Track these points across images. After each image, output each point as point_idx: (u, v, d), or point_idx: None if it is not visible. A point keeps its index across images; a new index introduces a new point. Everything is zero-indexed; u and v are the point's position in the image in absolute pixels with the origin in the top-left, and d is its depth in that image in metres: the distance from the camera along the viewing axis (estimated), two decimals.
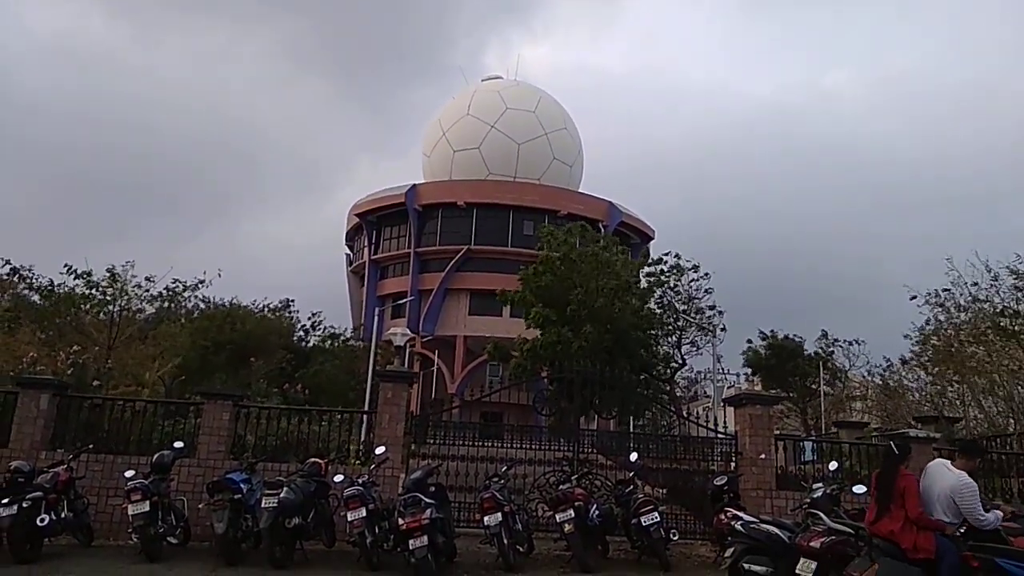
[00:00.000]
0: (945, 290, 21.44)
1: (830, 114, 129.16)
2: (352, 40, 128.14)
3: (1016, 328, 19.17)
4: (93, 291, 23.12)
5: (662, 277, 27.02)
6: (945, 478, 6.87)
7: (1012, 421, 18.90)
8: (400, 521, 8.95)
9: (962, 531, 6.78)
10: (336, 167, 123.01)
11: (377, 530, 9.46)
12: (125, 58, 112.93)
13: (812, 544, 7.53)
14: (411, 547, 8.82)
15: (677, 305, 26.99)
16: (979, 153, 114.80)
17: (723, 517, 9.44)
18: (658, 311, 26.28)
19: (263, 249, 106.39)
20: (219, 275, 25.88)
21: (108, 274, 22.92)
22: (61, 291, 24.31)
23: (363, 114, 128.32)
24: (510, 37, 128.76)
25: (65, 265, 23.42)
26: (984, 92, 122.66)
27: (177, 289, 25.35)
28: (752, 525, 8.60)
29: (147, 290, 23.81)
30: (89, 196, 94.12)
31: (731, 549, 8.52)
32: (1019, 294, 19.61)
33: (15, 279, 26.55)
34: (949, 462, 7.10)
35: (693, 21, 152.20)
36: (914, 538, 6.66)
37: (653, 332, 24.81)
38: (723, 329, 29.04)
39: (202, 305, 32.19)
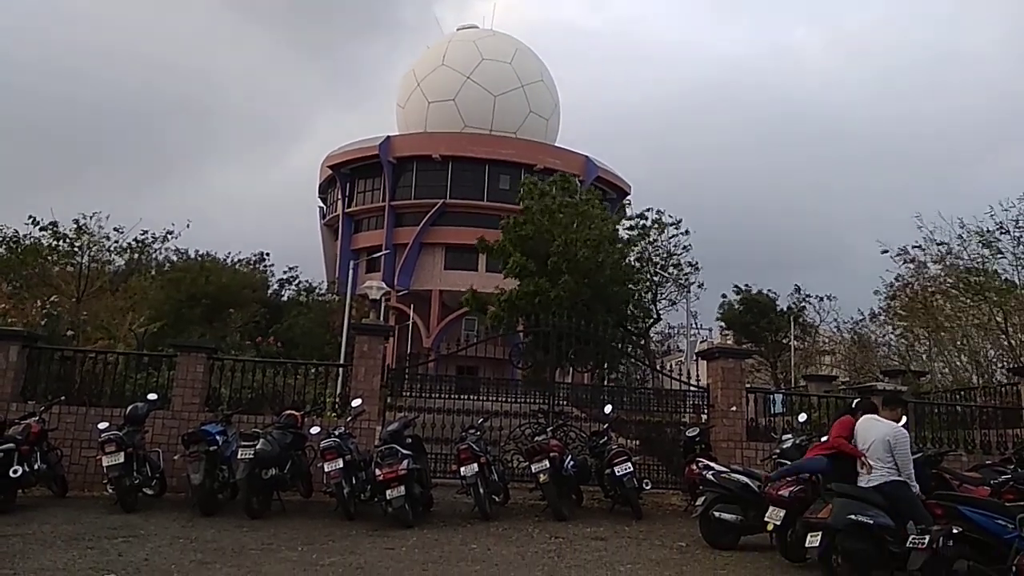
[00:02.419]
0: (916, 246, 21.80)
1: (793, 72, 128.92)
2: None
3: (983, 284, 19.56)
4: (60, 242, 22.71)
5: (643, 231, 27.03)
6: (879, 427, 7.23)
7: (976, 375, 19.39)
8: (377, 472, 9.03)
9: None
10: (293, 119, 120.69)
11: (354, 481, 9.52)
12: (73, 5, 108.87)
13: (781, 493, 7.73)
14: (388, 497, 8.93)
15: (656, 259, 27.09)
16: (940, 112, 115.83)
17: (695, 467, 9.63)
18: (637, 265, 26.37)
19: (226, 203, 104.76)
20: (188, 226, 25.56)
21: (75, 225, 22.52)
22: (27, 242, 23.83)
23: (315, 67, 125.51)
24: None
25: (29, 216, 22.97)
26: (946, 52, 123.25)
27: (147, 240, 25.00)
28: (723, 475, 8.80)
29: (116, 241, 23.47)
30: (38, 146, 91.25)
31: (702, 498, 8.73)
32: (985, 252, 19.97)
33: None
34: (877, 416, 7.38)
35: None
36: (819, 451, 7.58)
37: (634, 287, 24.91)
38: (700, 286, 29.30)
39: (174, 257, 31.81)
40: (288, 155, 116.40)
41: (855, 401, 8.22)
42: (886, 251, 22.63)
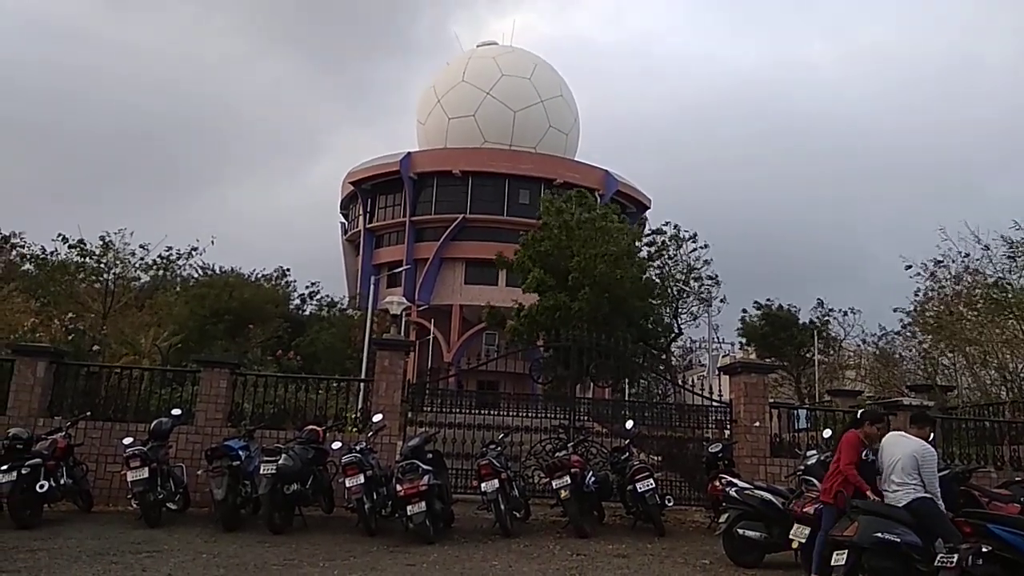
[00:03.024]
0: (938, 262, 21.57)
1: (808, 84, 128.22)
2: (316, 14, 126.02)
3: (1009, 299, 19.28)
4: (87, 259, 23.08)
5: (661, 248, 27.03)
6: (906, 444, 7.11)
7: (1005, 390, 19.06)
8: (398, 487, 9.02)
9: None
10: (308, 138, 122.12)
11: (375, 496, 9.52)
12: (99, 32, 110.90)
13: (806, 510, 7.64)
14: (409, 513, 8.92)
15: (676, 275, 27.05)
16: (956, 124, 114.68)
17: (718, 484, 9.54)
18: (657, 280, 26.33)
19: (243, 221, 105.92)
20: (212, 243, 25.87)
21: (101, 242, 22.87)
22: (54, 259, 24.25)
23: (329, 86, 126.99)
24: (477, 10, 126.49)
25: (58, 234, 23.39)
26: (961, 63, 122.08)
27: (171, 257, 25.32)
28: (747, 492, 8.71)
29: (142, 258, 23.81)
30: (60, 168, 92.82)
31: (726, 515, 8.64)
32: (1012, 263, 19.70)
33: (7, 247, 26.45)
34: (904, 433, 7.29)
35: None
36: (831, 482, 7.23)
37: (653, 302, 24.85)
38: (723, 301, 29.22)
39: (197, 273, 32.17)
40: (304, 173, 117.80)
41: (860, 412, 8.10)
42: (910, 267, 22.41)
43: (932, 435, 7.78)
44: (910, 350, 25.93)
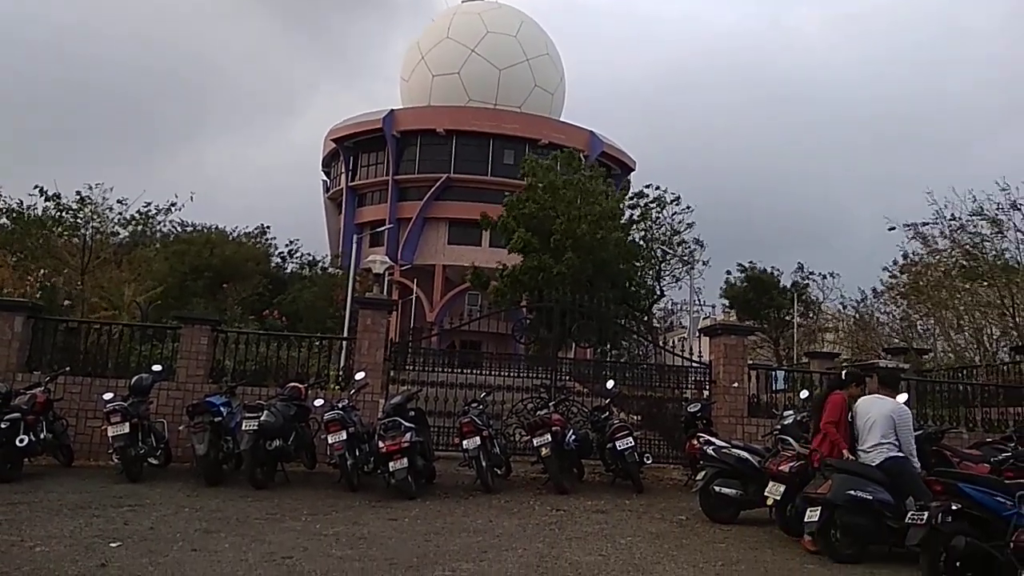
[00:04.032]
0: (926, 223, 21.73)
1: (794, 50, 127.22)
2: None
3: (982, 267, 19.53)
4: (63, 214, 22.71)
5: (645, 210, 27.04)
6: (881, 405, 7.32)
7: (978, 354, 19.41)
8: (380, 444, 9.09)
9: None
10: (286, 95, 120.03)
11: (357, 453, 9.59)
12: None
13: (781, 468, 7.78)
14: (391, 469, 8.99)
15: (660, 237, 27.13)
16: (942, 94, 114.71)
17: (696, 442, 9.68)
18: (641, 243, 26.39)
19: (221, 178, 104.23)
20: (191, 199, 25.57)
21: (78, 196, 22.50)
22: (31, 213, 23.84)
23: (305, 43, 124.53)
24: None
25: (36, 186, 22.94)
26: (949, 29, 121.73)
27: (150, 212, 24.99)
28: (724, 450, 8.85)
29: (120, 213, 23.47)
30: (34, 123, 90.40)
31: (703, 472, 8.79)
32: (994, 228, 19.90)
33: None
34: (879, 395, 7.45)
35: None
36: (818, 443, 7.49)
37: (637, 264, 24.92)
38: (706, 263, 29.38)
39: (177, 230, 31.83)
40: (282, 130, 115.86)
41: (844, 373, 8.25)
42: (893, 228, 22.59)
43: (905, 395, 7.94)
44: (888, 314, 26.29)
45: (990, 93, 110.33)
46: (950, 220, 20.81)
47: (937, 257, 21.83)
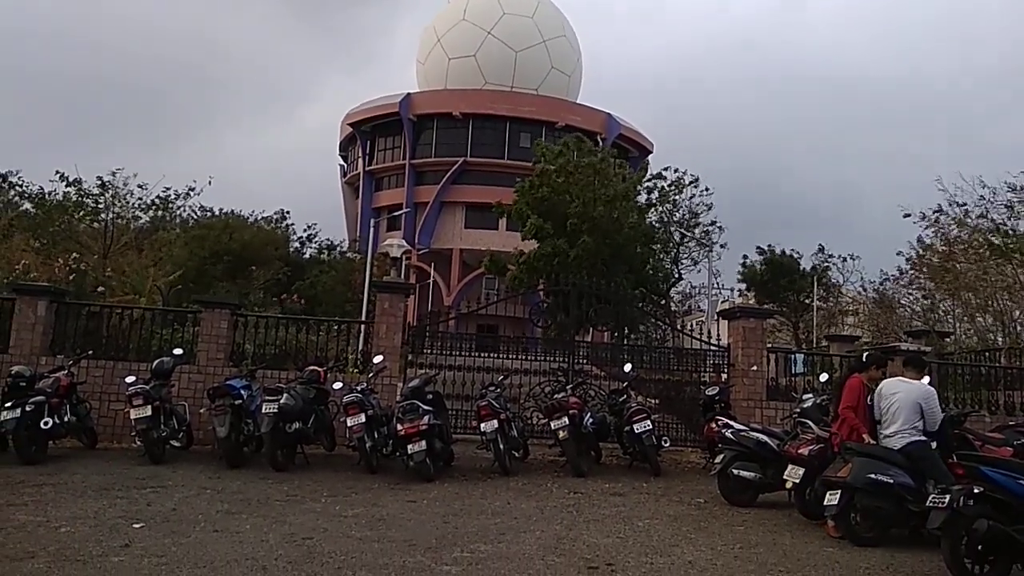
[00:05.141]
0: (936, 211, 21.46)
1: (805, 28, 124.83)
2: None
3: (1009, 246, 19.23)
4: (86, 199, 22.94)
5: (663, 193, 26.87)
6: (909, 388, 7.19)
7: (1001, 336, 19.17)
8: (398, 427, 9.14)
9: None
10: (297, 82, 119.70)
11: (376, 435, 9.66)
12: None
13: (800, 451, 7.75)
14: (409, 451, 9.05)
15: (679, 220, 26.99)
16: (955, 71, 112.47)
17: (714, 426, 9.67)
18: (658, 226, 26.24)
19: (236, 164, 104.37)
20: (209, 183, 25.73)
21: (99, 182, 22.70)
22: (53, 199, 24.09)
23: (313, 31, 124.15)
24: None
25: (57, 172, 23.18)
26: (961, 6, 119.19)
27: (169, 197, 25.18)
28: (742, 433, 8.83)
29: (139, 198, 23.66)
30: (51, 110, 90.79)
31: (721, 456, 8.77)
32: (1012, 211, 19.60)
33: (4, 185, 26.25)
34: (903, 378, 7.34)
35: None
36: (837, 427, 7.45)
37: (653, 247, 24.78)
38: (723, 246, 29.17)
39: (197, 214, 32.04)
40: (297, 116, 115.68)
41: (865, 355, 8.17)
42: (908, 215, 22.28)
43: (928, 379, 7.85)
44: (908, 296, 25.99)
45: (1004, 72, 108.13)
46: (961, 205, 20.56)
47: (961, 237, 21.52)
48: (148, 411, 9.31)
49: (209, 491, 7.97)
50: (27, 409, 8.91)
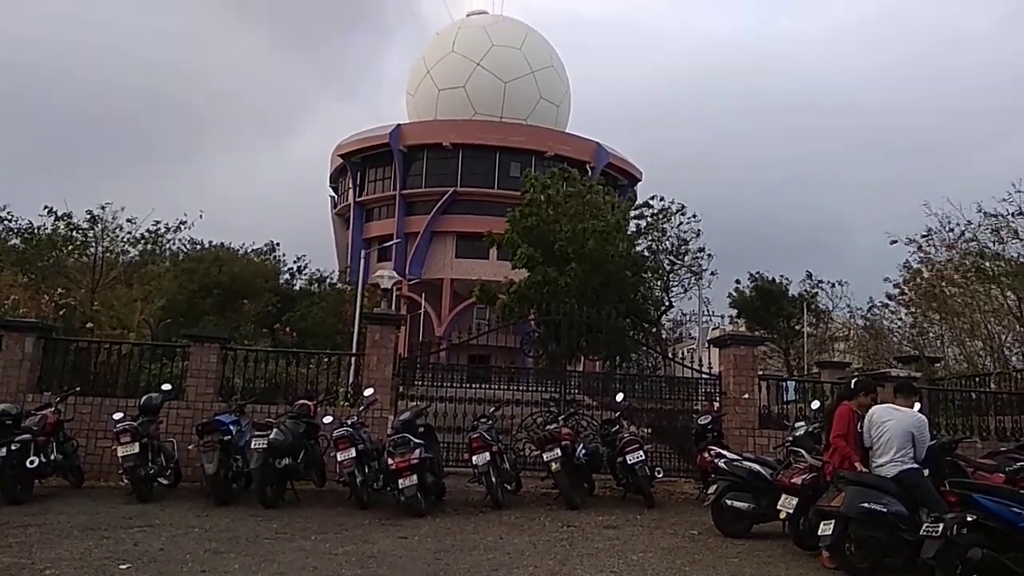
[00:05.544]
0: (924, 236, 21.65)
1: (793, 59, 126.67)
2: None
3: (996, 271, 19.37)
4: (74, 233, 22.86)
5: (651, 221, 27.01)
6: (900, 416, 7.17)
7: (991, 361, 19.23)
8: (389, 461, 9.06)
9: None
10: (286, 113, 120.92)
11: (367, 470, 9.57)
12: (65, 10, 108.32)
13: (793, 481, 7.72)
14: (400, 486, 8.97)
15: (668, 247, 27.10)
16: (942, 101, 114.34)
17: (707, 455, 9.62)
18: (648, 254, 26.33)
19: (225, 196, 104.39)
20: (200, 216, 25.69)
21: (89, 216, 22.66)
22: (42, 233, 24.00)
23: (302, 61, 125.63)
24: None
25: (45, 207, 23.12)
26: (947, 38, 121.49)
27: (159, 231, 25.13)
28: (735, 463, 8.79)
29: (129, 232, 23.61)
30: (37, 142, 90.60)
31: (714, 486, 8.72)
32: (997, 236, 19.78)
33: None
34: (893, 405, 7.34)
35: None
36: (829, 456, 7.44)
37: (644, 275, 24.86)
38: (713, 273, 29.29)
39: (187, 247, 31.98)
40: (285, 148, 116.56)
41: (853, 382, 8.19)
42: (895, 241, 22.46)
43: (919, 405, 7.86)
44: (897, 322, 26.10)
45: (990, 100, 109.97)
46: (949, 230, 20.77)
47: (951, 261, 21.67)
48: (136, 448, 9.21)
49: (197, 530, 7.86)
50: (12, 448, 8.81)
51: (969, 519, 5.85)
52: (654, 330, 26.16)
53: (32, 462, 8.95)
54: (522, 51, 53.84)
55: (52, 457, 9.49)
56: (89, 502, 9.19)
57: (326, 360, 13.20)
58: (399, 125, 52.82)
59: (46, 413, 9.66)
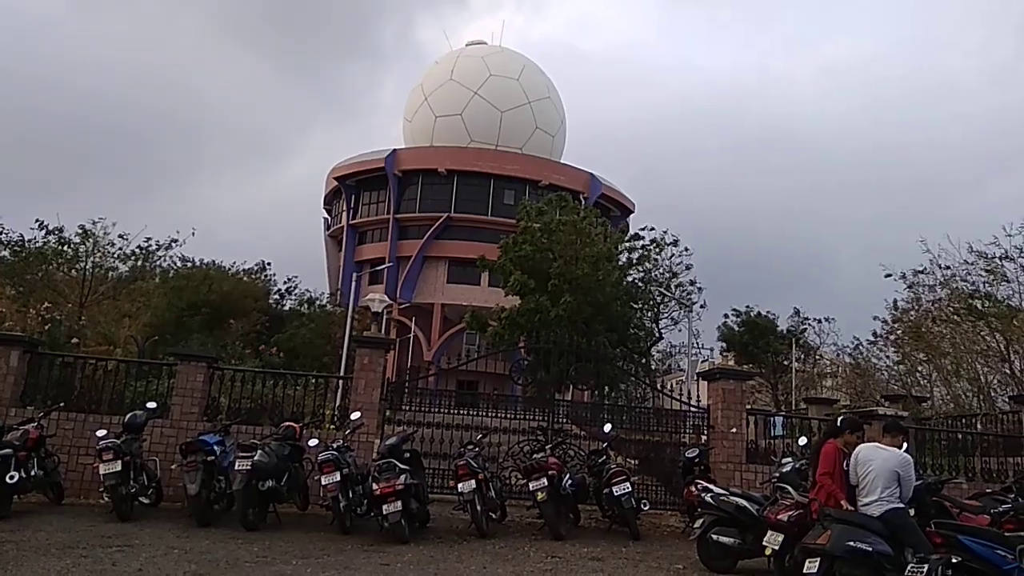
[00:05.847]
0: (919, 271, 21.82)
1: (783, 98, 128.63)
2: (285, 16, 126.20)
3: (987, 309, 19.53)
4: (65, 247, 22.80)
5: (643, 252, 27.18)
6: (886, 456, 7.13)
7: (977, 401, 19.32)
8: (374, 486, 8.99)
9: None
10: (281, 136, 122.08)
11: (351, 494, 9.47)
12: (63, 22, 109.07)
13: (780, 517, 7.69)
14: (385, 512, 8.89)
15: (659, 278, 27.23)
16: (929, 143, 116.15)
17: (693, 489, 9.58)
18: (640, 284, 26.47)
19: (219, 215, 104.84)
20: (193, 234, 25.66)
21: (81, 230, 22.61)
22: (32, 247, 23.91)
23: (299, 85, 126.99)
24: (443, 13, 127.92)
25: (36, 220, 23.07)
26: (934, 85, 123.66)
27: (150, 248, 25.09)
28: (722, 497, 8.75)
29: (120, 248, 23.56)
30: (32, 158, 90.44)
31: (700, 520, 8.68)
32: (990, 277, 19.97)
33: None
34: (879, 444, 7.34)
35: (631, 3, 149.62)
36: (815, 494, 7.37)
37: (635, 306, 24.96)
38: (703, 306, 29.43)
39: (177, 264, 31.89)
40: (278, 170, 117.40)
41: (839, 420, 8.19)
42: (890, 275, 22.63)
43: (905, 445, 7.86)
44: (885, 359, 26.22)
45: (976, 145, 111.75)
46: (944, 268, 20.94)
47: (938, 301, 21.83)
48: (118, 466, 9.10)
49: (177, 551, 7.75)
50: None
51: (954, 560, 5.84)
52: (643, 361, 26.19)
53: (12, 477, 8.82)
54: (519, 81, 54.45)
55: (32, 473, 9.34)
56: (68, 520, 9.06)
57: (313, 382, 13.13)
58: (395, 150, 53.16)
59: (28, 428, 9.55)
